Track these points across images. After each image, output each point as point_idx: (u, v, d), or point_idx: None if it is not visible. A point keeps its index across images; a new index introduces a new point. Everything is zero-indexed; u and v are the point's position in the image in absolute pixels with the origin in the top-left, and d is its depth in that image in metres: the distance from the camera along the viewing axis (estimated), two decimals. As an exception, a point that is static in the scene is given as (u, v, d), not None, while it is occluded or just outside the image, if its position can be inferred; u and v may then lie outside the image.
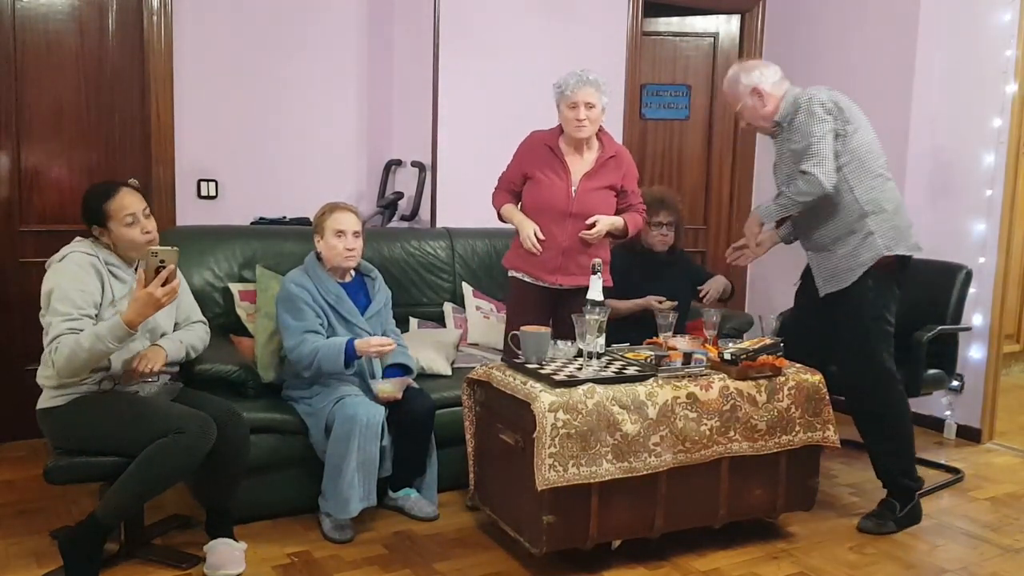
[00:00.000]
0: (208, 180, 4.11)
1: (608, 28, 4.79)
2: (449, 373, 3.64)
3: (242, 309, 3.52)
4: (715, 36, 5.28)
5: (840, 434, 3.13)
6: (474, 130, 4.37)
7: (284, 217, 4.14)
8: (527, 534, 2.76)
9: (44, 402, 2.69)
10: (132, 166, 4.00)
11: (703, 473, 2.88)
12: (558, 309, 3.29)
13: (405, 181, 4.46)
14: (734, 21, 5.28)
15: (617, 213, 3.31)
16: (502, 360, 3.13)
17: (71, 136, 3.91)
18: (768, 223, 3.27)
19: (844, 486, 3.60)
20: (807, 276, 3.36)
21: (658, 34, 5.18)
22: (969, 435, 4.34)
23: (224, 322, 3.51)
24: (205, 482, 2.83)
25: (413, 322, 3.91)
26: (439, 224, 4.37)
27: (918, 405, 3.07)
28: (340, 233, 3.16)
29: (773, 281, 5.29)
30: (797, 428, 3.02)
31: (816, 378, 3.07)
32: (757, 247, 3.37)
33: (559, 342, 3.03)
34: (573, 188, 3.24)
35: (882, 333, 3.16)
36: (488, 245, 4.20)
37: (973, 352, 4.30)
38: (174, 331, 2.89)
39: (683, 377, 2.89)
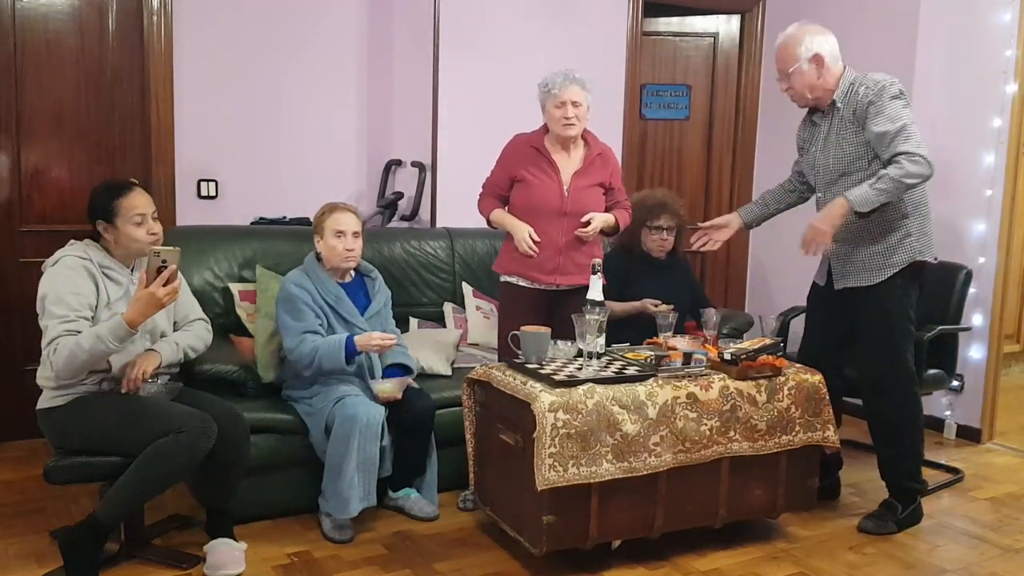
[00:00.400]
0: (208, 180, 4.11)
1: (608, 28, 4.80)
2: (449, 373, 3.64)
3: (242, 309, 3.52)
4: (715, 36, 5.28)
5: (840, 434, 3.13)
6: (474, 130, 4.37)
7: (284, 217, 4.14)
8: (527, 534, 2.76)
9: (44, 402, 2.69)
10: (132, 166, 3.99)
11: (703, 473, 2.88)
12: (554, 311, 3.27)
13: (405, 181, 4.46)
14: (734, 21, 5.28)
15: (606, 211, 3.32)
16: (500, 361, 3.12)
17: (71, 136, 3.91)
18: (863, 209, 2.93)
19: (844, 486, 3.60)
20: (819, 272, 3.31)
21: (658, 34, 5.18)
22: (969, 435, 4.35)
23: (224, 322, 3.51)
24: (205, 482, 2.83)
25: (413, 322, 3.91)
26: (439, 224, 4.37)
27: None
28: (340, 233, 3.16)
29: (773, 281, 5.29)
30: (797, 428, 3.02)
31: (816, 378, 3.07)
32: (718, 231, 3.40)
33: (559, 342, 3.03)
34: (565, 187, 3.23)
35: (908, 333, 3.14)
36: (488, 245, 4.19)
37: (973, 352, 4.30)
38: (173, 330, 2.89)
39: (683, 377, 2.89)
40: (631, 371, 2.88)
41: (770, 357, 3.00)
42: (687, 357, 2.95)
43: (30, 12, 3.77)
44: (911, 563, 2.98)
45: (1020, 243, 4.76)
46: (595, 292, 2.93)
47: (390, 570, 2.82)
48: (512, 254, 3.29)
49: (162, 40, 3.94)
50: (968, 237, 4.29)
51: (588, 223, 3.21)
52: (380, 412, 3.04)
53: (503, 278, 3.36)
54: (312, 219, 3.30)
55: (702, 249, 3.47)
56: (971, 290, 3.94)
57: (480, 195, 3.38)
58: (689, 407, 2.83)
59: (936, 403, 4.39)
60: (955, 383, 4.08)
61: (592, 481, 2.67)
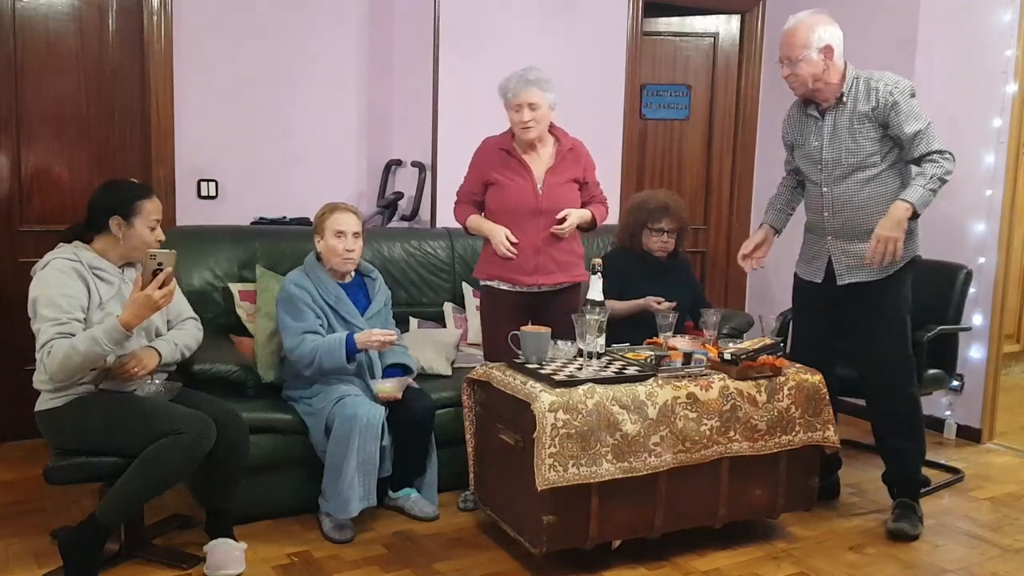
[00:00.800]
0: (208, 180, 4.11)
1: (608, 28, 4.79)
2: (449, 373, 3.64)
3: (242, 309, 3.52)
4: (715, 36, 5.28)
5: (840, 434, 3.13)
6: (474, 130, 4.34)
7: (284, 217, 4.14)
8: (527, 534, 2.76)
9: (42, 404, 2.69)
10: (132, 166, 4.00)
11: (703, 473, 2.88)
12: (537, 312, 3.25)
13: (405, 181, 4.46)
14: (734, 21, 5.28)
15: (582, 206, 3.29)
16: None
17: (71, 136, 3.91)
18: (923, 210, 2.96)
19: (844, 486, 3.60)
20: (809, 270, 3.30)
21: (658, 34, 5.18)
22: (969, 435, 4.34)
23: (224, 322, 3.51)
24: (205, 482, 2.83)
25: (413, 322, 3.91)
26: (439, 224, 4.37)
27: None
28: (340, 234, 3.16)
29: (773, 281, 5.29)
30: (797, 428, 3.01)
31: (816, 378, 3.07)
32: (760, 249, 3.37)
33: (559, 342, 3.03)
34: (539, 185, 3.21)
35: (909, 327, 3.18)
36: (488, 245, 4.19)
37: (973, 352, 4.30)
38: (167, 329, 2.89)
39: (683, 377, 2.89)
40: (631, 371, 2.88)
41: (770, 357, 3.00)
42: (687, 357, 2.95)
43: (30, 12, 3.77)
44: (911, 563, 2.98)
45: (1020, 243, 4.76)
46: (595, 292, 2.93)
47: (390, 570, 2.82)
48: (491, 258, 3.26)
49: (162, 40, 3.94)
50: (968, 237, 4.29)
51: (564, 220, 3.18)
52: (380, 412, 3.04)
53: (483, 283, 3.33)
54: (312, 219, 3.30)
55: (752, 269, 3.44)
56: (971, 290, 3.93)
57: (455, 203, 3.37)
58: (689, 407, 2.82)
59: (936, 403, 4.39)
60: (955, 383, 4.07)
61: (592, 481, 2.67)
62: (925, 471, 3.38)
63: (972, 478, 3.81)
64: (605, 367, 2.90)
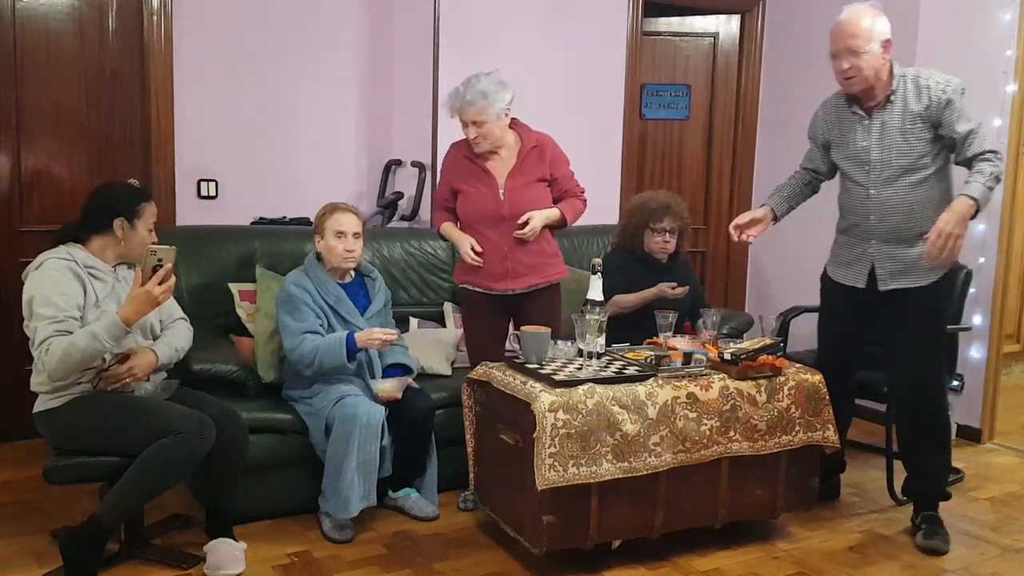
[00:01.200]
0: (208, 180, 4.11)
1: (608, 28, 4.79)
2: (449, 373, 3.64)
3: (242, 309, 3.52)
4: (715, 36, 5.28)
5: (848, 435, 3.13)
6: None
7: (284, 217, 4.14)
8: (527, 534, 2.76)
9: (41, 404, 2.69)
10: (132, 166, 3.99)
11: (703, 473, 2.88)
12: (516, 313, 3.26)
13: (405, 181, 4.46)
14: (734, 21, 5.28)
15: (554, 203, 3.27)
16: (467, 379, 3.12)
17: (71, 136, 3.91)
18: (984, 207, 2.86)
19: (844, 486, 3.60)
20: (848, 275, 3.16)
21: (658, 34, 5.18)
22: (969, 435, 4.34)
23: (224, 322, 3.51)
24: (204, 482, 2.83)
25: (413, 322, 3.91)
26: (439, 224, 4.36)
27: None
28: (340, 234, 3.16)
29: (773, 281, 5.29)
30: (797, 428, 3.01)
31: (816, 378, 3.07)
32: (754, 226, 3.23)
33: (559, 342, 3.03)
34: (501, 191, 3.19)
35: (945, 335, 3.14)
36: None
37: (973, 352, 4.30)
38: (161, 329, 2.89)
39: (683, 377, 2.90)
40: (631, 371, 2.88)
41: (770, 357, 3.00)
42: (687, 357, 2.95)
43: (30, 12, 3.77)
44: (911, 563, 2.98)
45: (1020, 243, 4.76)
46: (595, 292, 2.93)
47: (390, 570, 2.82)
48: (464, 264, 3.27)
49: (162, 40, 3.94)
50: (968, 237, 4.23)
51: (526, 224, 3.14)
52: (380, 412, 3.04)
53: (461, 286, 3.34)
54: (312, 219, 3.30)
55: (739, 240, 3.29)
56: (971, 290, 3.93)
57: (432, 208, 3.39)
58: (689, 407, 2.82)
59: (936, 403, 4.39)
60: (955, 383, 4.07)
61: (592, 481, 2.67)
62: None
63: (972, 478, 3.81)
64: (605, 367, 2.90)
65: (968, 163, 2.91)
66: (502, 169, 3.22)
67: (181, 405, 2.72)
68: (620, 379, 2.80)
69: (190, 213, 4.06)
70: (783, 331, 3.83)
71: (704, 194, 5.41)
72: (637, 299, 3.56)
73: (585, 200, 3.37)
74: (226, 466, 2.77)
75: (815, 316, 3.39)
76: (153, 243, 2.73)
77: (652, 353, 3.00)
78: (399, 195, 4.42)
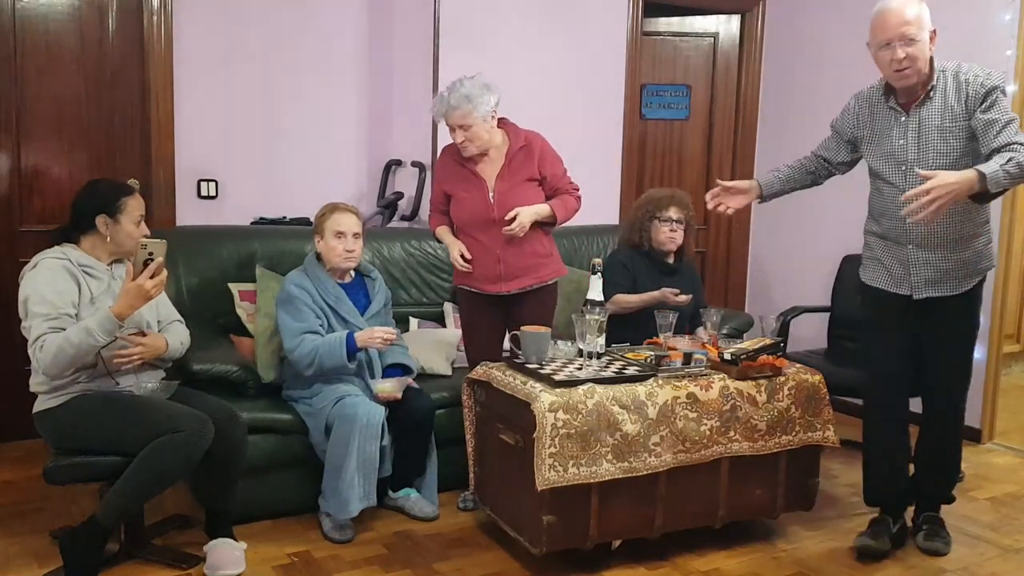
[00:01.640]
0: (208, 180, 4.11)
1: (608, 28, 4.79)
2: (449, 373, 3.64)
3: (242, 309, 3.52)
4: (715, 36, 5.28)
5: (840, 434, 3.13)
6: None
7: (284, 217, 4.14)
8: (527, 534, 2.76)
9: (40, 404, 2.70)
10: (132, 166, 4.00)
11: (703, 473, 2.88)
12: (512, 313, 3.26)
13: (405, 181, 4.46)
14: (734, 21, 5.28)
15: (547, 200, 3.26)
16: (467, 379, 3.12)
17: (71, 136, 3.91)
18: (993, 189, 2.57)
19: (844, 486, 3.60)
20: (894, 281, 2.95)
21: (658, 34, 5.18)
22: (969, 435, 4.31)
23: (224, 322, 3.51)
24: (204, 482, 2.83)
25: (413, 322, 3.92)
26: (439, 224, 4.36)
27: (919, 405, 3.05)
28: (340, 234, 3.16)
29: (773, 281, 5.29)
30: (797, 428, 3.01)
31: (816, 378, 3.07)
32: (735, 197, 3.09)
33: (559, 342, 3.03)
34: (491, 194, 3.19)
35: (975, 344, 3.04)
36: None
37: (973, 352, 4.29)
38: (158, 330, 2.90)
39: (683, 377, 2.89)
40: (631, 371, 2.88)
41: (770, 357, 3.00)
42: (687, 357, 2.95)
43: (30, 12, 3.77)
44: (911, 563, 2.97)
45: (1020, 244, 4.76)
46: (595, 292, 2.93)
47: (390, 570, 2.82)
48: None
49: (162, 40, 3.94)
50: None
51: (513, 220, 3.12)
52: (380, 412, 3.04)
53: (458, 286, 3.35)
54: (312, 219, 3.30)
55: (717, 211, 3.17)
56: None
57: (429, 211, 3.39)
58: (689, 407, 2.82)
59: (936, 403, 4.39)
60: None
61: (592, 481, 2.67)
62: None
63: (972, 478, 3.80)
64: (605, 367, 2.90)
65: (994, 153, 2.62)
66: (491, 172, 3.22)
67: (180, 404, 2.72)
68: (620, 379, 2.80)
69: (190, 213, 4.06)
70: (783, 331, 3.83)
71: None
72: (638, 301, 3.55)
73: (579, 197, 3.34)
74: (226, 466, 2.77)
75: (815, 316, 3.37)
76: (144, 237, 2.73)
77: (652, 353, 3.00)
78: (399, 195, 4.42)
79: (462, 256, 3.19)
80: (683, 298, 3.42)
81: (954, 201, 2.55)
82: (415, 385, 3.29)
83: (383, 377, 3.23)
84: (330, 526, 3.03)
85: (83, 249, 2.75)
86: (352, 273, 3.30)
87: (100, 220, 2.73)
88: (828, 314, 4.38)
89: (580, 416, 2.65)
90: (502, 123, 3.26)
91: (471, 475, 3.13)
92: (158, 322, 2.90)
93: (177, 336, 2.89)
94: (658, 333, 3.17)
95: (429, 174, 4.34)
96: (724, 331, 3.72)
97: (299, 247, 3.60)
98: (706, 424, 2.85)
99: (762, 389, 2.96)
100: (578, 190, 3.35)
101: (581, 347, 2.90)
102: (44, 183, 3.89)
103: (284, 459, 3.11)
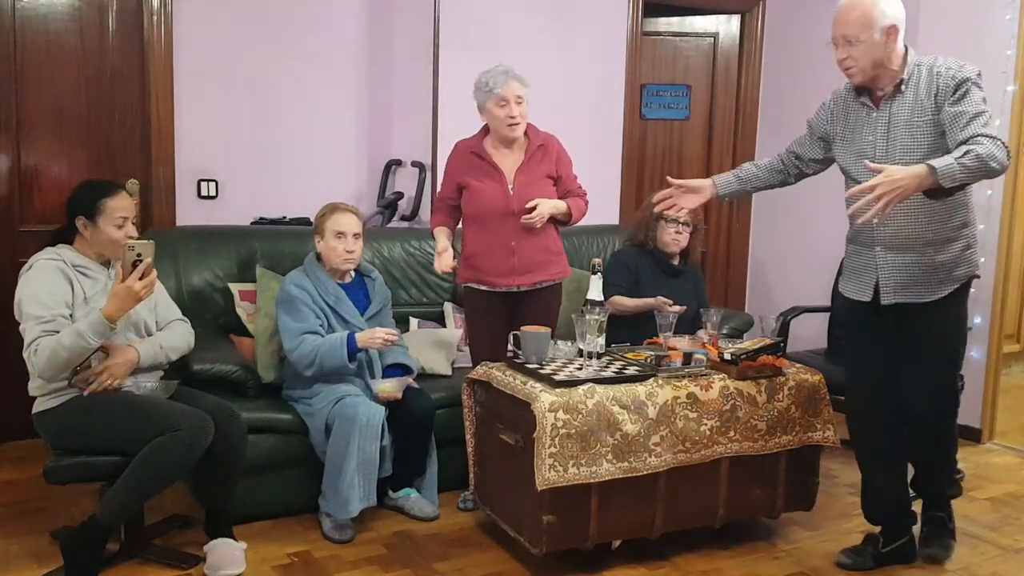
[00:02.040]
0: (208, 180, 4.11)
1: (608, 28, 4.79)
2: (449, 373, 3.64)
3: (242, 309, 3.52)
4: (715, 36, 5.28)
5: (840, 434, 3.13)
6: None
7: (284, 217, 4.14)
8: (527, 534, 2.76)
9: (40, 405, 2.71)
10: (132, 166, 3.99)
11: (703, 473, 2.88)
12: (517, 311, 3.26)
13: (405, 181, 4.46)
14: (734, 21, 5.28)
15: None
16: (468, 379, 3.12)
17: (71, 136, 3.91)
18: (946, 184, 2.42)
19: (844, 486, 3.60)
20: (856, 288, 2.86)
21: (658, 34, 5.18)
22: (969, 435, 4.34)
23: (224, 322, 3.51)
24: (204, 482, 2.83)
25: (413, 322, 3.91)
26: (439, 224, 4.36)
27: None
28: (340, 235, 3.16)
29: (773, 281, 5.29)
30: (797, 428, 3.02)
31: (816, 378, 3.07)
32: (687, 197, 3.01)
33: (559, 342, 3.03)
34: (510, 186, 3.20)
35: (963, 352, 2.95)
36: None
37: (973, 352, 4.28)
38: (157, 329, 2.89)
39: (683, 377, 2.90)
40: (631, 371, 2.88)
41: (770, 357, 3.01)
42: (687, 357, 2.95)
43: (30, 12, 3.77)
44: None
45: (1020, 244, 4.77)
46: (595, 292, 2.93)
47: (390, 570, 2.82)
48: (468, 263, 3.29)
49: (162, 40, 3.94)
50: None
51: (534, 209, 3.14)
52: (380, 412, 3.04)
53: (464, 284, 3.35)
54: (312, 219, 3.30)
55: (667, 213, 3.13)
56: (971, 291, 3.92)
57: (432, 209, 3.40)
58: (689, 407, 2.83)
59: (936, 403, 4.39)
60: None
61: (592, 481, 2.67)
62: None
63: (972, 478, 3.80)
64: (605, 367, 2.90)
65: (961, 146, 2.50)
66: (510, 165, 3.24)
67: (180, 404, 2.72)
68: (620, 379, 2.81)
69: (190, 213, 4.06)
70: (783, 331, 3.82)
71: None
72: (633, 306, 3.55)
73: (587, 202, 3.39)
74: (225, 466, 2.77)
75: (815, 316, 3.37)
76: (131, 238, 2.72)
77: (652, 353, 3.00)
78: (399, 195, 4.42)
79: (447, 265, 3.19)
80: (677, 308, 3.42)
81: (903, 198, 2.44)
82: (415, 385, 3.29)
83: (383, 377, 3.23)
84: (330, 526, 3.03)
85: (76, 249, 2.75)
86: (352, 273, 3.30)
87: (79, 222, 2.73)
88: (828, 314, 4.38)
89: (580, 416, 2.65)
90: None
91: (471, 475, 3.13)
92: (156, 323, 2.90)
93: (168, 339, 2.88)
94: (658, 333, 3.18)
95: (429, 174, 4.34)
96: (724, 331, 3.73)
97: (299, 247, 3.60)
98: (706, 424, 2.85)
99: (762, 389, 2.96)
100: (586, 195, 3.39)
101: (581, 347, 2.90)
102: (44, 183, 3.89)
103: (284, 459, 3.11)
